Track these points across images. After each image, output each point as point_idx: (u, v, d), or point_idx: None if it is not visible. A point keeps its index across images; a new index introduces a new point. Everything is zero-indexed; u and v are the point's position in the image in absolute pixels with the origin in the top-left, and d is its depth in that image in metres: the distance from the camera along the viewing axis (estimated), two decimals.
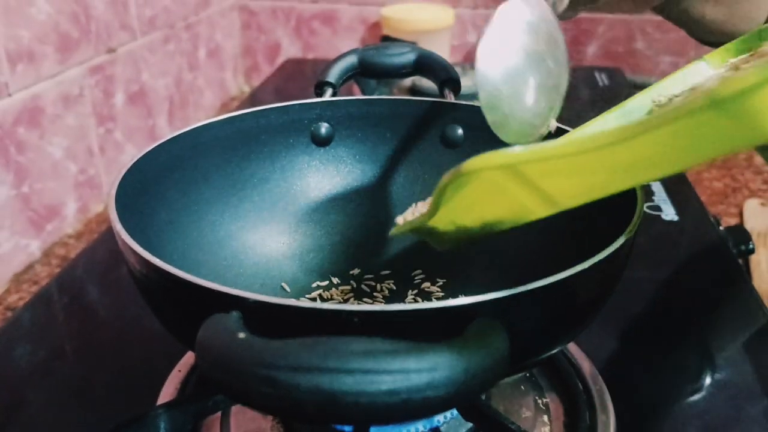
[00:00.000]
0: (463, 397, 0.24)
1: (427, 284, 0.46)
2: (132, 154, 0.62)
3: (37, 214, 0.69)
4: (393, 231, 0.34)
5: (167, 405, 0.36)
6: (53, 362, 0.49)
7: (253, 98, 0.97)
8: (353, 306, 0.27)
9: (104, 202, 0.79)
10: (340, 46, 1.14)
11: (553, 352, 0.34)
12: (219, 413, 0.41)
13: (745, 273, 0.57)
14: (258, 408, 0.24)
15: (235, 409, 0.41)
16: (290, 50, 1.16)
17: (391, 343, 0.23)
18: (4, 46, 0.63)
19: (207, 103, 1.04)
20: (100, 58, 0.77)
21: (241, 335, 0.24)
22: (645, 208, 0.34)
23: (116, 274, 0.60)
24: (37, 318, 0.54)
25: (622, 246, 0.31)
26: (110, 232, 0.66)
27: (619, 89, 0.97)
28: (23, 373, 0.47)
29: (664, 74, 1.15)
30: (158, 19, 0.89)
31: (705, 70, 0.38)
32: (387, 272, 0.47)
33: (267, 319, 0.27)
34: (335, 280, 0.47)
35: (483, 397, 0.38)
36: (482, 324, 0.26)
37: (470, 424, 0.39)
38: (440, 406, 0.23)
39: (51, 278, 0.60)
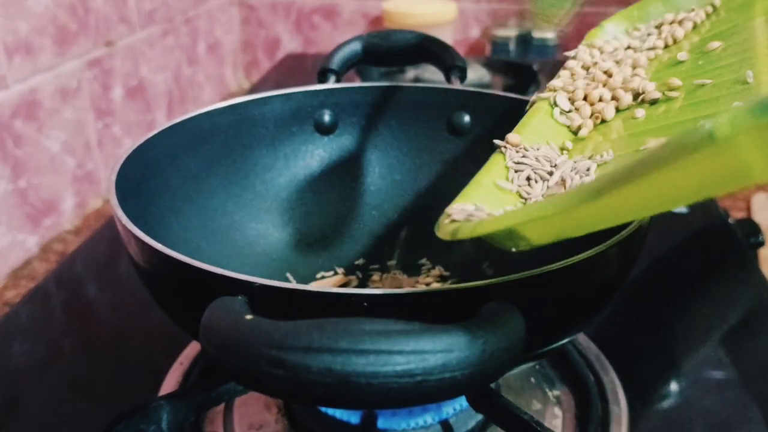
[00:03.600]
0: (480, 379, 0.23)
1: (435, 271, 0.45)
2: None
3: (34, 209, 0.68)
4: (461, 234, 0.28)
5: (170, 396, 0.35)
6: (51, 358, 0.48)
7: (252, 93, 0.96)
8: (363, 290, 0.26)
9: (102, 198, 0.78)
10: (341, 41, 1.13)
11: (567, 339, 0.34)
12: (222, 406, 0.41)
13: (756, 264, 0.56)
14: (266, 391, 0.23)
15: (239, 402, 0.41)
16: (290, 45, 1.15)
17: (405, 324, 0.22)
18: (1, 38, 0.62)
19: (206, 98, 1.03)
20: (98, 52, 0.76)
21: (248, 317, 0.23)
22: None
23: (115, 269, 0.59)
24: (34, 313, 0.53)
25: (637, 230, 0.30)
26: (108, 227, 0.65)
27: None
28: (21, 369, 0.46)
29: None
30: (157, 13, 0.88)
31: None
32: (393, 262, 0.46)
33: (273, 305, 0.27)
34: (340, 270, 0.46)
35: (492, 386, 0.37)
36: (497, 306, 0.25)
37: (480, 416, 0.38)
38: (456, 389, 0.22)
39: (48, 273, 0.59)
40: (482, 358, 0.22)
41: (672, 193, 0.19)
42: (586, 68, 0.38)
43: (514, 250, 0.26)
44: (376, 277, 0.45)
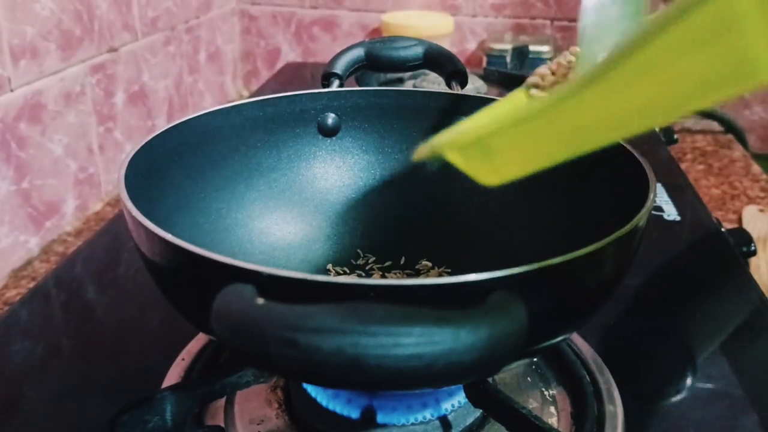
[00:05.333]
0: (485, 365, 0.23)
1: (435, 272, 0.46)
2: None
3: (36, 210, 0.68)
4: (436, 149, 0.28)
5: (174, 387, 0.36)
6: (51, 357, 0.48)
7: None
8: (370, 280, 0.27)
9: (103, 201, 0.79)
10: None
11: (566, 335, 0.34)
12: (223, 401, 0.41)
13: (748, 270, 0.57)
14: (278, 372, 0.23)
15: (240, 397, 0.41)
16: (290, 56, 1.16)
17: (415, 309, 0.23)
18: (7, 41, 0.63)
19: (206, 105, 1.04)
20: (101, 57, 0.77)
21: (260, 301, 0.24)
22: None
23: (114, 270, 0.59)
24: (34, 313, 0.53)
25: (634, 228, 0.31)
26: (108, 229, 0.66)
27: None
28: (21, 368, 0.47)
29: None
30: (160, 21, 0.89)
31: None
32: (393, 262, 0.47)
33: (280, 295, 0.27)
34: (341, 270, 0.46)
35: (490, 381, 0.38)
36: (501, 296, 0.26)
37: (479, 412, 0.39)
38: (463, 373, 0.23)
39: (48, 273, 0.60)
40: (489, 343, 0.23)
41: (670, 85, 0.16)
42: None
43: (497, 183, 0.25)
44: (377, 276, 0.46)
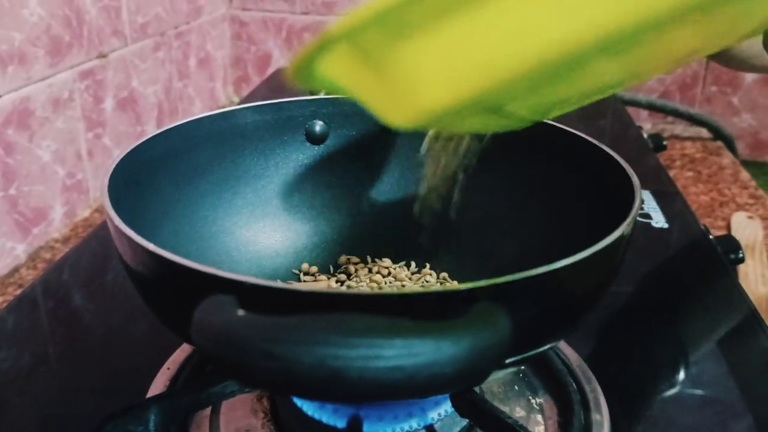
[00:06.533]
0: (468, 376, 0.23)
1: (417, 279, 0.46)
2: None
3: (24, 217, 0.68)
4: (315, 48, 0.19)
5: (158, 397, 0.36)
6: (37, 365, 0.48)
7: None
8: (352, 290, 0.27)
9: (91, 207, 0.78)
10: None
11: (551, 344, 0.34)
12: (209, 411, 0.41)
13: (736, 278, 0.57)
14: (259, 385, 0.23)
15: (226, 406, 0.41)
16: (280, 61, 1.16)
17: (396, 320, 0.23)
18: None
19: (196, 111, 1.04)
20: (90, 63, 0.77)
21: (241, 312, 0.24)
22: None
23: (101, 278, 0.59)
24: (20, 320, 0.53)
25: (620, 237, 0.31)
26: (96, 236, 0.66)
27: (607, 102, 0.98)
28: (7, 376, 0.46)
29: (650, 91, 1.15)
30: (149, 26, 0.89)
31: None
32: (379, 270, 0.47)
33: (263, 305, 0.27)
34: (327, 277, 0.46)
35: (477, 391, 0.38)
36: (484, 307, 0.26)
37: (465, 421, 0.39)
38: (446, 385, 0.23)
39: (35, 280, 0.59)
40: (471, 354, 0.23)
41: None
42: None
43: (412, 118, 0.15)
44: (363, 283, 0.46)
